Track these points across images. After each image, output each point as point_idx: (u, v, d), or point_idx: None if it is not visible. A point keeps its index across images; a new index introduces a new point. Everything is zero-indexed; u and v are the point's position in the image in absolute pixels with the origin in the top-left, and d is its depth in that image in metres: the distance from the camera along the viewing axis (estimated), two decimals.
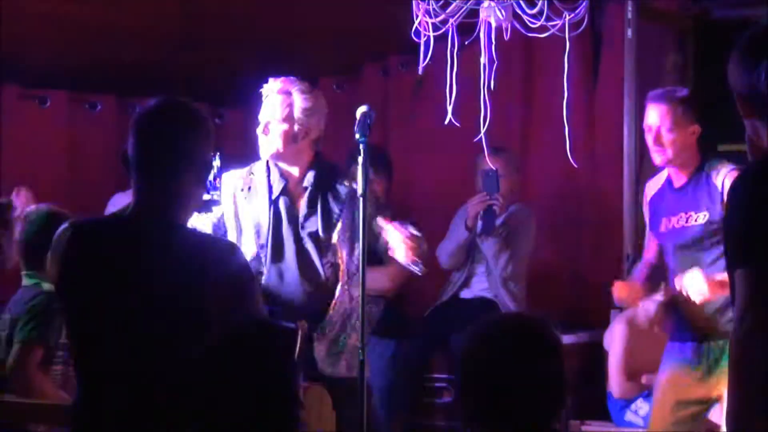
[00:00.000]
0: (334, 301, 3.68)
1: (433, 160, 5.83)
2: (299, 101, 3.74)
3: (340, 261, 3.71)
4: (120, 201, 5.02)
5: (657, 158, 3.93)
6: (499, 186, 4.96)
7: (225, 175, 3.85)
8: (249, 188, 3.79)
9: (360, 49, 5.88)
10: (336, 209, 3.72)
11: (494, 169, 4.95)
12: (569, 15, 3.39)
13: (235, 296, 2.54)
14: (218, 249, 2.60)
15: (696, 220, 3.91)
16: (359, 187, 3.35)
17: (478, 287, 5.22)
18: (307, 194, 3.73)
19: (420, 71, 3.49)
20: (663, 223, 3.99)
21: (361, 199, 3.34)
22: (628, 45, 5.12)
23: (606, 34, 5.44)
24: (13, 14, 4.76)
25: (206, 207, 5.08)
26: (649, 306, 3.95)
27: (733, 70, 2.30)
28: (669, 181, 4.01)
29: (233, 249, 2.62)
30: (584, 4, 3.44)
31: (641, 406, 4.94)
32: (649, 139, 3.91)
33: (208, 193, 6.30)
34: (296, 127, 3.72)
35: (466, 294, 5.25)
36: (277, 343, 2.32)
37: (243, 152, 6.70)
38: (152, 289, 2.50)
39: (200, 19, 5.32)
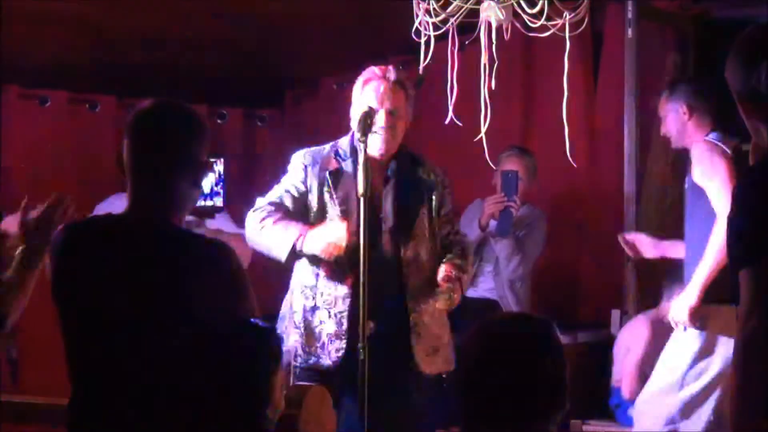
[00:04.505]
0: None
1: (433, 160, 5.82)
2: (411, 92, 3.70)
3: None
4: (114, 203, 4.97)
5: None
6: (518, 189, 4.94)
7: (302, 153, 3.74)
8: (335, 172, 3.68)
9: (360, 49, 5.89)
10: (416, 201, 3.70)
11: (515, 171, 4.94)
12: (569, 15, 3.39)
13: (227, 297, 2.55)
14: (212, 250, 2.60)
15: None
16: (360, 186, 3.35)
17: (484, 287, 5.20)
18: (390, 186, 3.69)
19: (420, 71, 3.49)
20: None
21: (361, 199, 3.34)
22: (628, 45, 5.12)
23: (606, 34, 5.44)
24: (14, 14, 4.76)
25: (208, 213, 5.07)
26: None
27: (731, 71, 2.30)
28: None
29: (227, 250, 2.62)
30: (584, 4, 3.44)
31: None
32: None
33: (211, 198, 6.30)
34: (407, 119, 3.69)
35: (471, 293, 5.23)
36: (247, 340, 2.34)
37: (243, 152, 6.74)
38: (146, 289, 2.51)
39: (200, 20, 5.32)
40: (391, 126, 3.63)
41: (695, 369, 4.23)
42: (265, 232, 3.62)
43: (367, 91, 3.64)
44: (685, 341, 4.23)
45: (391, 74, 3.66)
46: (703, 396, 4.22)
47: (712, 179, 4.04)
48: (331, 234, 3.54)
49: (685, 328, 4.17)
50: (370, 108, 3.55)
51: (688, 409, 4.23)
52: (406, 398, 3.65)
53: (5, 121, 5.71)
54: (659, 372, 4.34)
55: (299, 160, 3.73)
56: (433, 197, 3.75)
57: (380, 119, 3.60)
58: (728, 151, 4.17)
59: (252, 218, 3.67)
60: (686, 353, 4.23)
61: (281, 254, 3.60)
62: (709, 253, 4.07)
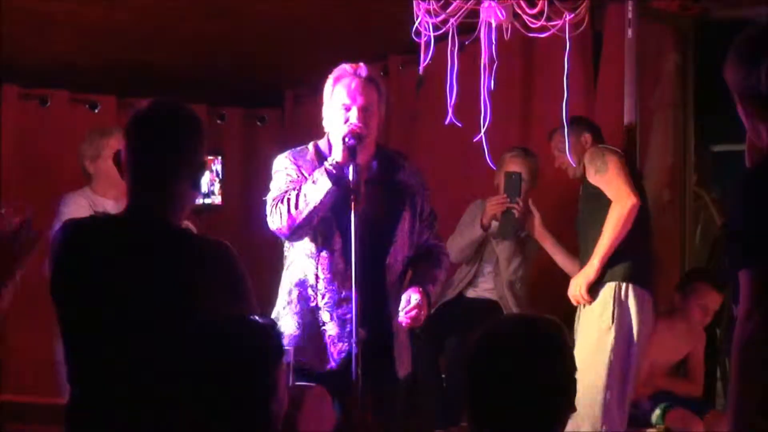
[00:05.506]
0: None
1: (434, 160, 5.83)
2: (383, 89, 3.62)
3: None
4: (71, 200, 4.85)
5: None
6: (521, 191, 4.92)
7: (284, 156, 3.65)
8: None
9: (360, 49, 5.89)
10: (398, 205, 3.62)
11: (518, 173, 4.92)
12: (569, 15, 3.40)
13: (227, 297, 2.55)
14: (211, 250, 2.60)
15: None
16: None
17: (484, 287, 5.19)
18: (371, 189, 3.54)
19: (420, 71, 3.49)
20: None
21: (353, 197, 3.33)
22: (628, 45, 5.11)
23: (606, 34, 5.44)
24: (14, 14, 4.76)
25: (204, 211, 5.04)
26: None
27: (732, 71, 2.30)
28: None
29: (226, 250, 2.62)
30: (584, 4, 3.44)
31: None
32: None
33: (209, 197, 6.28)
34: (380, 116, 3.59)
35: (470, 293, 5.22)
36: (249, 337, 2.35)
37: (243, 152, 6.75)
38: (145, 289, 2.51)
39: (200, 20, 5.32)
40: (364, 123, 3.52)
41: (616, 365, 4.33)
42: (296, 201, 3.47)
43: (339, 89, 3.56)
44: (598, 343, 4.33)
45: (363, 71, 3.58)
46: (629, 389, 4.42)
47: (604, 173, 4.42)
48: (338, 135, 3.46)
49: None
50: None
51: (622, 403, 4.35)
52: (391, 405, 3.63)
53: (5, 121, 5.71)
54: (585, 378, 4.39)
55: (287, 161, 3.62)
56: (416, 201, 3.66)
57: (353, 116, 3.51)
58: (618, 150, 4.55)
59: (276, 210, 3.52)
60: (603, 353, 4.33)
61: (323, 186, 3.43)
62: (606, 235, 4.38)
